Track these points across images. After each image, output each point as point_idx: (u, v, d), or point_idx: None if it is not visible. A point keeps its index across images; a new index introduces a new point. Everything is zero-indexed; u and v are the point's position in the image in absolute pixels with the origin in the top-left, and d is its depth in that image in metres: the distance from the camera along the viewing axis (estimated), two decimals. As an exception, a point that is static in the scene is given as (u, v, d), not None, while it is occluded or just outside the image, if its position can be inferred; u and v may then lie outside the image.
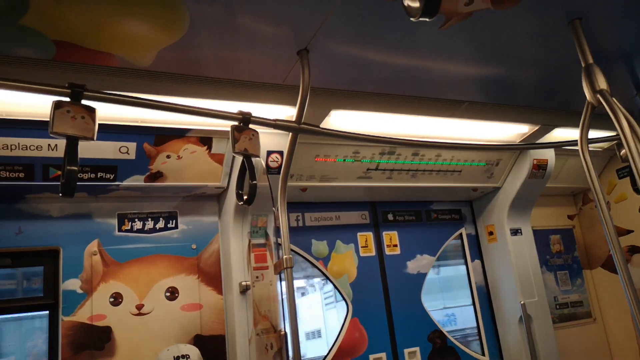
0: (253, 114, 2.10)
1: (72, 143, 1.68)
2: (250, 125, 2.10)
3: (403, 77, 2.49)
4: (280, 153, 2.83)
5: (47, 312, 2.69)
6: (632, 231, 4.05)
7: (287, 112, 2.57)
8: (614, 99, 1.97)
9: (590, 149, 2.14)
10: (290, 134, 2.46)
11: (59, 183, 1.70)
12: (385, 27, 1.99)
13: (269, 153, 2.82)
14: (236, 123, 2.08)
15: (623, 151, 1.92)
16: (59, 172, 2.47)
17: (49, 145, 2.43)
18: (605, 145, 3.95)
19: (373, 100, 2.67)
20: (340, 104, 2.64)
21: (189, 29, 1.84)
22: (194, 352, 2.53)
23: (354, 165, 3.22)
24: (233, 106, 2.29)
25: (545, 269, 4.23)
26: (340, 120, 2.79)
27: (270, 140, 2.79)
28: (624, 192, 4.12)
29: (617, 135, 1.91)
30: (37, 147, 2.42)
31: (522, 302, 3.64)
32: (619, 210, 4.16)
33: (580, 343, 4.16)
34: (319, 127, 2.40)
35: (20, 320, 2.86)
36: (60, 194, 1.67)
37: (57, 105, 1.66)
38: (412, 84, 2.59)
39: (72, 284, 2.70)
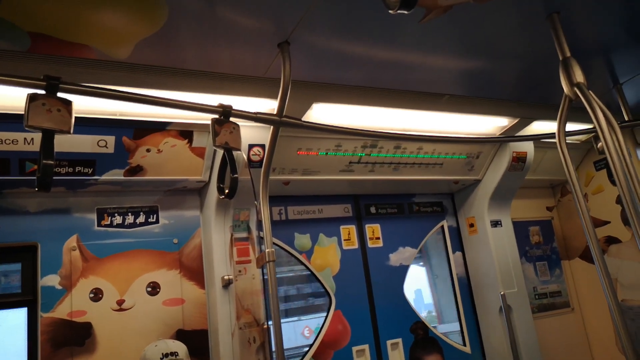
0: (234, 107, 2.08)
1: (48, 136, 1.64)
2: (231, 119, 2.08)
3: (384, 70, 2.50)
4: (262, 146, 2.82)
5: (26, 308, 2.65)
6: (609, 222, 4.13)
7: (268, 105, 2.56)
8: (590, 92, 2.00)
9: (567, 141, 2.18)
10: (272, 127, 2.45)
11: (35, 177, 1.67)
12: (367, 20, 1.99)
13: (251, 146, 2.80)
14: (217, 116, 2.06)
15: (600, 144, 1.96)
16: (36, 167, 2.43)
17: (25, 139, 2.38)
18: (582, 137, 4.02)
19: (355, 94, 2.67)
20: (322, 97, 2.63)
21: (167, 21, 1.81)
22: (182, 349, 2.52)
23: (336, 158, 3.22)
24: (213, 99, 2.27)
25: (525, 259, 4.29)
26: (322, 113, 2.79)
27: (252, 134, 2.77)
28: (601, 184, 4.20)
29: (594, 128, 1.94)
30: (12, 141, 2.37)
31: (502, 293, 3.69)
32: (596, 201, 4.24)
33: (558, 332, 4.24)
34: (300, 120, 2.39)
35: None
36: (36, 189, 1.64)
37: (32, 98, 1.62)
38: (393, 77, 2.59)
39: (51, 280, 2.66)
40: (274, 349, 2.74)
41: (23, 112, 1.61)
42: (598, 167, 4.22)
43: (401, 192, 4.03)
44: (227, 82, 2.33)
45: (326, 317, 3.46)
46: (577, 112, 2.26)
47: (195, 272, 3.01)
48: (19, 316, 2.66)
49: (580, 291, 4.47)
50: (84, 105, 2.19)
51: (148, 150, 2.67)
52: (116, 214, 2.91)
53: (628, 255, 4.00)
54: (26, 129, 1.62)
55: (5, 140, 2.35)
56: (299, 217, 3.59)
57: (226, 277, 2.85)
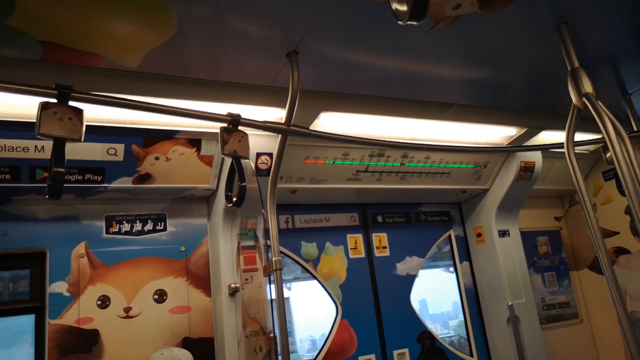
0: (242, 116, 2.10)
1: (59, 144, 1.66)
2: (240, 127, 2.09)
3: (392, 79, 2.51)
4: (270, 155, 2.83)
5: (34, 315, 2.66)
6: (618, 233, 4.10)
7: (276, 114, 2.57)
8: (599, 102, 2.00)
9: (576, 151, 2.17)
10: (280, 135, 2.46)
11: (45, 185, 1.68)
12: (374, 29, 2.00)
13: (259, 155, 2.81)
14: (225, 125, 2.07)
15: (609, 154, 1.95)
16: (46, 174, 2.45)
17: (35, 146, 2.41)
18: (591, 147, 4.00)
19: (362, 103, 2.68)
20: (329, 106, 2.64)
21: (177, 30, 1.83)
22: (188, 357, 2.51)
23: (344, 167, 3.22)
24: (222, 108, 2.29)
25: (533, 270, 4.26)
26: (329, 122, 2.80)
27: (260, 142, 2.79)
28: (609, 194, 4.17)
29: (603, 138, 1.94)
30: (23, 149, 2.39)
31: (509, 303, 3.66)
32: (605, 212, 4.21)
33: (567, 344, 4.20)
34: (308, 129, 2.40)
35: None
36: (47, 196, 1.65)
37: (44, 107, 1.64)
38: (401, 86, 2.60)
39: (59, 287, 2.67)
40: (280, 357, 2.74)
41: (35, 120, 1.63)
42: (607, 177, 4.20)
43: (408, 201, 4.02)
44: (236, 91, 2.34)
45: (332, 326, 3.45)
46: (586, 122, 2.25)
47: (202, 280, 3.02)
48: (27, 322, 2.67)
49: (589, 302, 4.43)
50: (94, 113, 2.22)
51: (157, 158, 2.69)
52: (124, 222, 2.92)
53: (637, 266, 3.96)
54: (37, 136, 1.63)
55: (16, 147, 2.38)
56: (306, 226, 3.59)
57: (233, 285, 2.86)
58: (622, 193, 3.05)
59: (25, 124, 2.23)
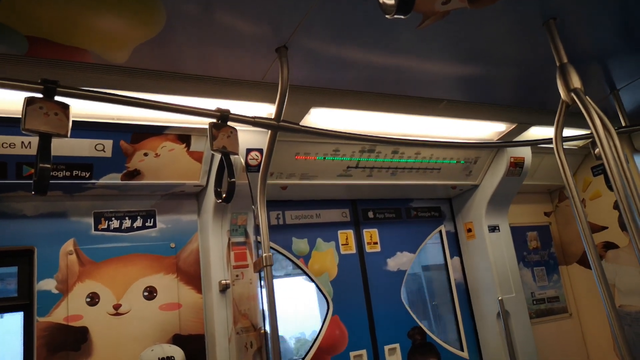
0: (232, 112, 2.09)
1: (45, 140, 1.64)
2: (229, 123, 2.08)
3: (382, 75, 2.50)
4: (260, 151, 2.82)
5: (22, 312, 2.64)
6: (607, 228, 4.13)
7: (266, 110, 2.56)
8: (587, 97, 2.01)
9: (565, 147, 2.18)
10: (270, 131, 2.45)
11: (32, 181, 1.67)
12: (365, 25, 1.99)
13: (249, 151, 2.80)
14: (214, 120, 2.06)
15: (597, 149, 1.96)
16: (33, 170, 2.42)
17: (22, 142, 2.38)
18: (580, 143, 4.03)
19: (352, 98, 2.68)
20: (319, 101, 2.64)
21: (165, 25, 1.82)
22: (178, 354, 2.50)
23: (334, 163, 3.22)
24: (211, 103, 2.27)
25: (523, 265, 4.29)
26: (320, 118, 2.79)
27: (250, 138, 2.77)
28: (598, 189, 4.20)
29: (591, 133, 1.95)
30: (10, 145, 2.36)
31: (500, 298, 3.69)
32: (593, 207, 4.24)
33: (556, 338, 4.23)
34: (298, 124, 2.40)
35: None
36: (33, 192, 1.63)
37: (29, 102, 1.62)
38: (391, 82, 2.60)
39: (47, 284, 2.65)
40: (271, 353, 2.73)
41: (20, 116, 1.61)
42: (595, 172, 4.23)
43: (399, 197, 4.03)
44: (225, 86, 2.33)
45: (323, 322, 3.45)
46: (575, 118, 2.27)
47: (192, 277, 3.00)
48: (15, 320, 2.65)
49: (578, 297, 4.47)
50: (81, 109, 2.19)
51: (146, 155, 2.67)
52: (113, 218, 2.90)
53: (625, 261, 4.00)
54: (23, 132, 1.62)
55: (2, 143, 2.35)
56: (297, 222, 3.58)
57: (223, 282, 2.85)
58: (611, 188, 3.08)
59: (11, 120, 2.19)
